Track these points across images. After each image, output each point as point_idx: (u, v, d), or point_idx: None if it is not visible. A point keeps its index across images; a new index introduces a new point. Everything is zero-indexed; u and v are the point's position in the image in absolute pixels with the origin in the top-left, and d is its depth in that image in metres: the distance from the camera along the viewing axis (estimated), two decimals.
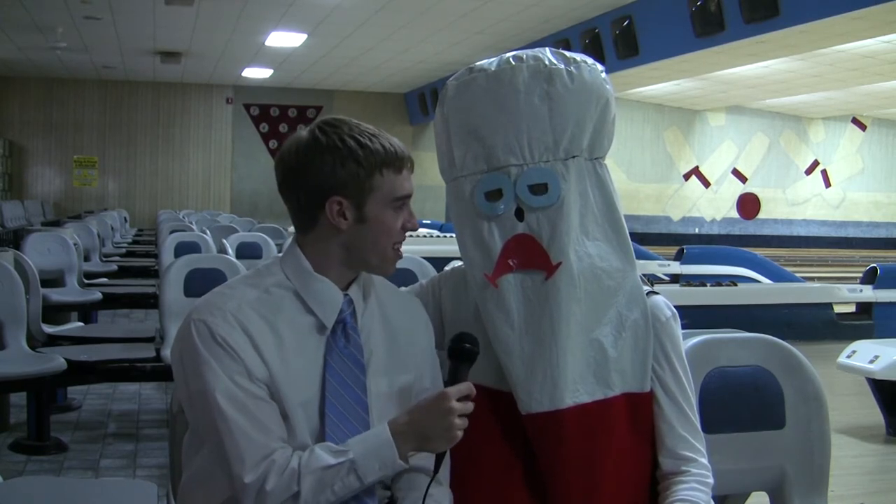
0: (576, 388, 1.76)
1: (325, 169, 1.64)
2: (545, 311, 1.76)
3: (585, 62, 1.82)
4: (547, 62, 1.79)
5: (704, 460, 1.83)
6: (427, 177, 19.93)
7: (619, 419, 1.79)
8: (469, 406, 1.62)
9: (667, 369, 1.84)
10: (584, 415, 1.76)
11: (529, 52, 1.83)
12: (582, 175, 1.81)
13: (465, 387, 1.63)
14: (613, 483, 1.78)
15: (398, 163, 1.69)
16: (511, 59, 1.81)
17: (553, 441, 1.76)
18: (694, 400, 1.88)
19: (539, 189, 1.78)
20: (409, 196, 1.72)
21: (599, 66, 1.85)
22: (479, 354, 1.70)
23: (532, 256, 1.78)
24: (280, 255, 1.77)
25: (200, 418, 1.62)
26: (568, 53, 1.83)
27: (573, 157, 1.80)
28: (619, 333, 1.80)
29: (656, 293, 1.90)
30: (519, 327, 1.78)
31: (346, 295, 1.71)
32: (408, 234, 1.75)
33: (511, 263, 1.79)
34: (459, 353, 1.67)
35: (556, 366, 1.75)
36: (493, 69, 1.81)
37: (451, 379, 1.66)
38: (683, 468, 1.81)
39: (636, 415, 1.81)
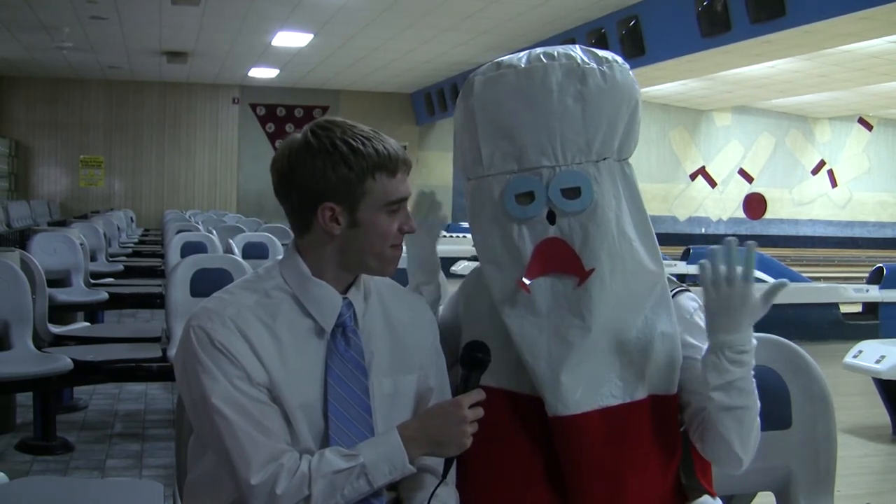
0: (601, 391, 1.75)
1: (316, 173, 1.62)
2: (576, 317, 1.73)
3: (617, 62, 1.78)
4: (580, 61, 1.75)
5: None
6: (433, 176, 20.04)
7: (645, 421, 1.77)
8: (479, 412, 1.63)
9: (698, 350, 1.80)
10: (610, 418, 1.74)
11: (560, 49, 1.78)
12: (613, 177, 1.77)
13: (477, 394, 1.64)
14: (636, 488, 1.75)
15: (391, 166, 1.65)
16: (542, 57, 1.76)
17: (577, 444, 1.73)
18: None
19: (572, 193, 1.74)
20: (404, 199, 1.69)
21: (628, 66, 1.80)
22: (499, 357, 1.71)
23: (564, 261, 1.74)
24: (279, 258, 1.76)
25: (204, 424, 1.61)
26: (599, 52, 1.79)
27: (604, 158, 1.77)
28: (647, 338, 1.77)
29: (683, 290, 1.88)
30: (548, 331, 1.74)
31: (345, 298, 1.70)
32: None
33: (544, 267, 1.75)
34: (471, 361, 1.68)
35: (583, 370, 1.73)
36: (523, 66, 1.76)
37: (463, 387, 1.67)
38: None
39: (662, 416, 1.79)
